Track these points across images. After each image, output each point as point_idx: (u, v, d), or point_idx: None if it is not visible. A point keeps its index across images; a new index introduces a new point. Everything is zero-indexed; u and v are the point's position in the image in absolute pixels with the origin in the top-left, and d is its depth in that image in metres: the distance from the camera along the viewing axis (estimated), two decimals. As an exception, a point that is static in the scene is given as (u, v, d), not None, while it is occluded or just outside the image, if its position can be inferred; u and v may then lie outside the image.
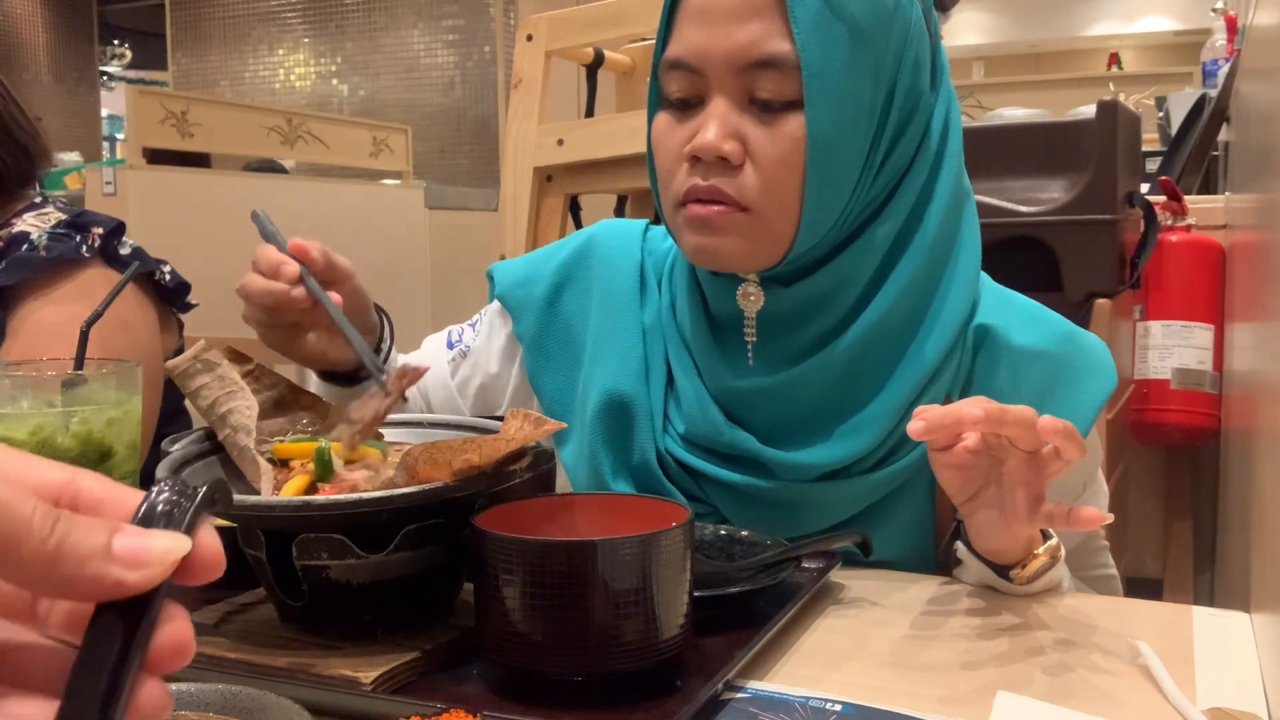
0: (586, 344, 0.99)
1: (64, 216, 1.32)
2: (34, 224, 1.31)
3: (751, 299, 0.87)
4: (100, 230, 1.31)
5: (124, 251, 1.33)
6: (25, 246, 1.27)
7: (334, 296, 0.87)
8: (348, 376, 0.96)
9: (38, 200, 1.38)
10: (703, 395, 0.90)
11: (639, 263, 0.99)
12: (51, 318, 1.24)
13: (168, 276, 1.35)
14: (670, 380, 0.94)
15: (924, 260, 0.87)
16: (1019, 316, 0.91)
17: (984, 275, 0.96)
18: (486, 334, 1.06)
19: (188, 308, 1.40)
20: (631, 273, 0.99)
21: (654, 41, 0.88)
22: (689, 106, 0.84)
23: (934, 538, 0.91)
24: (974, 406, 0.70)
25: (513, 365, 1.04)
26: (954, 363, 0.88)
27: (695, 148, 0.81)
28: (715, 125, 0.81)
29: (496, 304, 1.05)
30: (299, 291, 0.86)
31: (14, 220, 1.32)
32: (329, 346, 0.91)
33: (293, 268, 0.86)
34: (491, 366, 1.05)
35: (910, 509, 0.89)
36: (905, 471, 0.88)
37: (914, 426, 0.71)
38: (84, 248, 1.29)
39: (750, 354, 0.89)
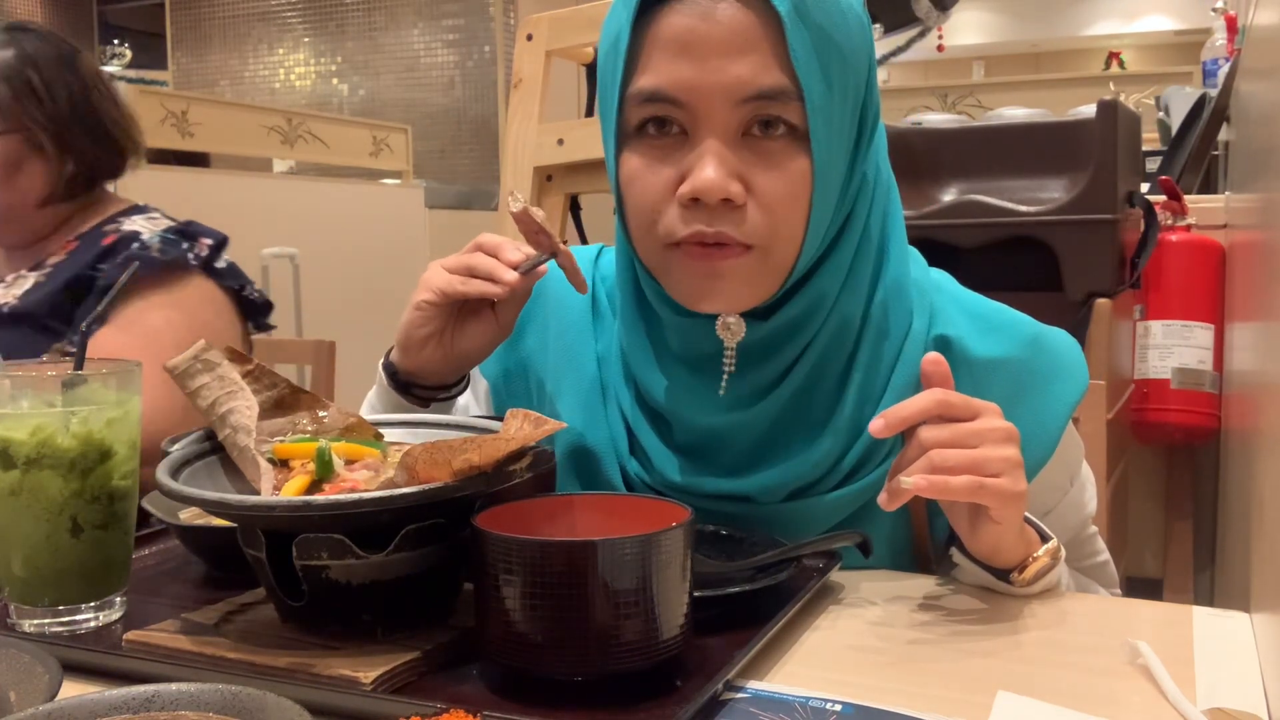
0: (546, 379, 0.98)
1: (171, 222, 1.40)
2: (144, 225, 1.38)
3: (732, 329, 0.84)
4: (209, 242, 1.38)
5: (221, 265, 1.39)
6: (137, 245, 1.33)
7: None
8: (423, 398, 0.95)
9: (141, 204, 1.45)
10: (663, 452, 0.90)
11: (590, 291, 0.98)
12: (153, 322, 1.30)
13: (256, 295, 1.41)
14: (635, 402, 0.93)
15: (869, 265, 0.86)
16: (981, 324, 0.89)
17: (948, 279, 0.94)
18: (471, 385, 1.05)
19: (266, 328, 1.44)
20: (584, 303, 0.98)
21: None
22: (667, 142, 0.79)
23: (911, 549, 0.91)
24: (926, 397, 0.76)
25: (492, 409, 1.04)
26: (914, 375, 0.86)
27: (697, 190, 0.76)
28: (715, 165, 0.76)
29: None
30: (512, 276, 0.86)
31: (120, 219, 1.39)
32: (449, 360, 0.92)
33: (513, 276, 0.86)
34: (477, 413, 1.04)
35: (883, 522, 0.88)
36: (874, 486, 0.86)
37: (875, 424, 0.76)
38: (191, 255, 1.35)
39: (724, 387, 0.86)
